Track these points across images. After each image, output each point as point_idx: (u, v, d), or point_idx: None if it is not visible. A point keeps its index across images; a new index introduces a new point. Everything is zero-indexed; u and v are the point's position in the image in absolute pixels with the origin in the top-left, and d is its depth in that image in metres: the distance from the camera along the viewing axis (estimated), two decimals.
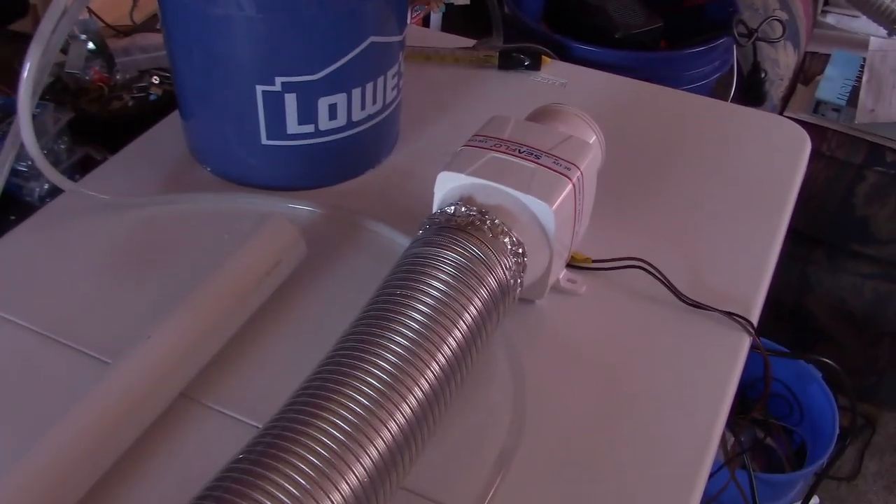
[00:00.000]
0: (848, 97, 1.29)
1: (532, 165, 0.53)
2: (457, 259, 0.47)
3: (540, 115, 0.61)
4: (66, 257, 0.59)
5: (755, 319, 0.57)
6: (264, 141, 0.63)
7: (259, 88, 0.60)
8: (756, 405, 1.09)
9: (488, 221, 0.49)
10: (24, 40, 0.87)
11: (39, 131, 0.63)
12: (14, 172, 0.70)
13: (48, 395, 0.49)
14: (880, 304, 1.36)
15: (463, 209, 0.50)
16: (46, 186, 0.70)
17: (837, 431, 1.11)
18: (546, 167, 0.53)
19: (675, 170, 0.71)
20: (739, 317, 0.56)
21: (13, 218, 0.66)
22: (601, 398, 0.51)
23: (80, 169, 0.73)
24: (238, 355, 0.52)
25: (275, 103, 0.60)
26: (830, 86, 1.32)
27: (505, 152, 0.54)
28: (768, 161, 0.72)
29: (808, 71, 1.43)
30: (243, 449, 0.38)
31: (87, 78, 0.79)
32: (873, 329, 1.39)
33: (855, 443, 1.37)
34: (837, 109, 1.28)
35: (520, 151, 0.54)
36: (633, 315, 0.57)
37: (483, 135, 0.56)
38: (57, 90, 0.78)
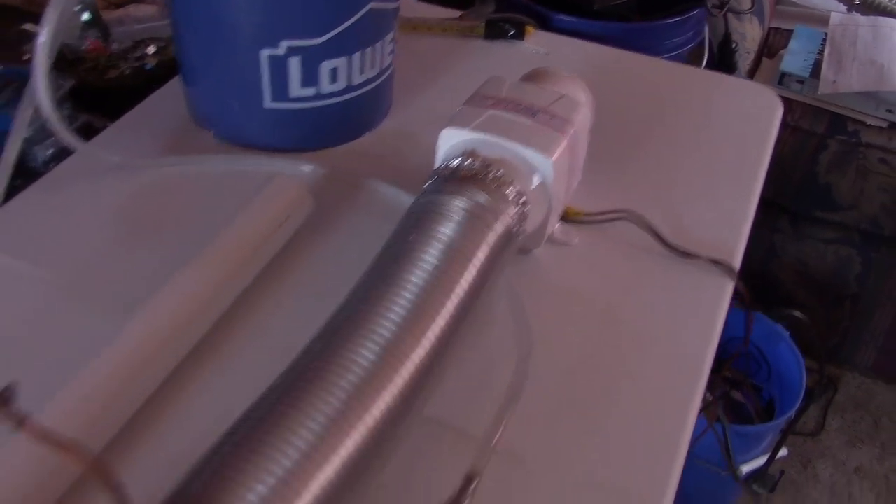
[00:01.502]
0: (811, 69, 1.35)
1: (529, 122, 0.56)
2: (466, 205, 0.50)
3: (533, 77, 0.64)
4: (79, 216, 0.61)
5: (737, 265, 0.61)
6: (267, 104, 0.65)
7: (264, 52, 0.62)
8: (727, 364, 1.15)
9: (492, 173, 0.53)
10: (16, 14, 0.89)
11: None
12: None
13: (66, 347, 0.51)
14: (841, 268, 1.42)
15: (467, 162, 0.53)
16: (50, 152, 0.72)
17: (805, 386, 1.17)
18: (543, 123, 0.56)
19: (655, 132, 0.74)
20: (723, 263, 0.60)
21: (18, 182, 0.68)
22: (599, 337, 0.55)
23: (81, 136, 0.75)
24: (254, 305, 0.55)
25: (279, 67, 0.63)
26: (794, 59, 1.37)
27: (504, 109, 0.57)
28: (744, 122, 0.76)
29: (771, 45, 1.48)
30: (272, 385, 0.41)
31: (83, 48, 0.80)
32: (835, 292, 1.45)
33: (819, 401, 1.43)
34: (801, 81, 1.34)
35: (518, 109, 0.57)
36: (624, 263, 0.61)
37: (482, 94, 0.59)
38: (57, 61, 0.79)
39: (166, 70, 0.81)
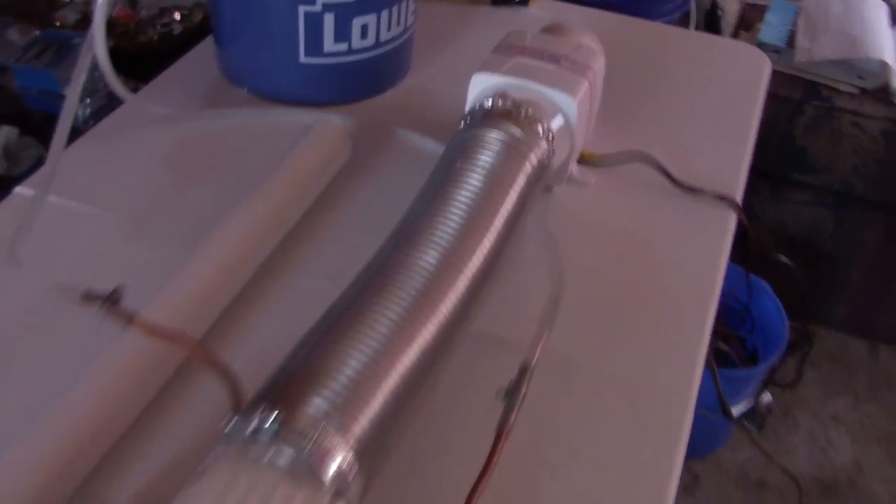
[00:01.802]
0: (787, 40, 1.42)
1: (553, 67, 0.62)
2: (504, 138, 0.55)
3: (550, 30, 0.69)
4: (133, 162, 0.65)
5: (739, 200, 0.67)
6: (302, 59, 0.70)
7: (301, 9, 0.67)
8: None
9: (523, 111, 0.58)
10: None
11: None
12: (59, 96, 0.76)
13: (133, 278, 0.55)
14: (816, 228, 1.50)
15: (500, 102, 0.59)
16: (89, 111, 0.76)
17: (788, 336, 1.24)
18: (566, 69, 0.62)
19: (658, 86, 0.80)
20: (727, 197, 0.66)
21: None
22: (621, 263, 0.61)
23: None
24: (306, 235, 0.60)
25: (314, 23, 0.68)
26: (771, 30, 1.44)
27: (529, 57, 0.62)
28: (738, 76, 0.83)
29: (747, 20, 1.55)
30: (354, 281, 0.46)
31: (113, 15, 0.84)
32: (810, 252, 1.53)
33: (796, 354, 1.51)
34: (777, 51, 1.41)
35: (542, 56, 0.63)
36: (637, 199, 0.66)
37: (507, 44, 0.64)
38: (87, 25, 0.83)
39: (193, 35, 0.85)
